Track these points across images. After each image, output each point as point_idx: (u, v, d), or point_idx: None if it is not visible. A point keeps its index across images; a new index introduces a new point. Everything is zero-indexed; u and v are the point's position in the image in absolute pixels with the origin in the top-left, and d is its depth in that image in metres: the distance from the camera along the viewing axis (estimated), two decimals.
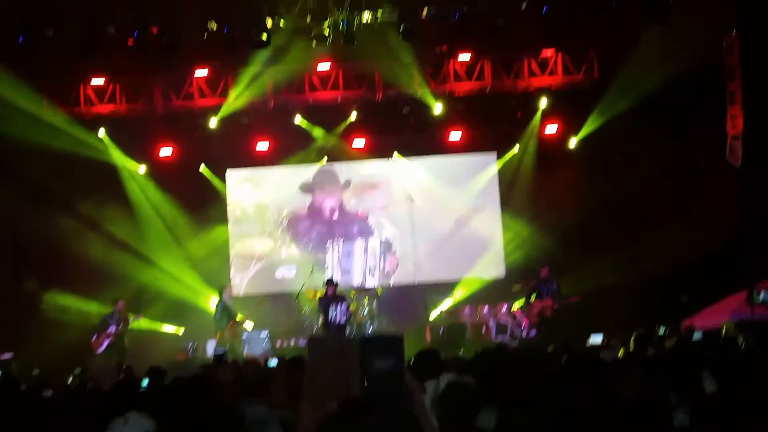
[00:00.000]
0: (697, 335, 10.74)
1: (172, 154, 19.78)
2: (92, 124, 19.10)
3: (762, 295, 12.61)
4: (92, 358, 16.29)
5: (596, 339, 12.73)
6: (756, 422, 4.58)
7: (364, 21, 17.11)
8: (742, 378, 5.70)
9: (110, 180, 19.53)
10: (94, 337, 16.83)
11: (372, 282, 20.04)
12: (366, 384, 1.95)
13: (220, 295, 17.82)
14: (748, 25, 17.37)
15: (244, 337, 17.76)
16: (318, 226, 20.66)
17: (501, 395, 5.39)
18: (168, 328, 19.10)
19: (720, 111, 18.00)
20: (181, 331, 19.10)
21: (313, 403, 2.04)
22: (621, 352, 9.60)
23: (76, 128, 18.77)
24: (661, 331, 13.51)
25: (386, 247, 20.59)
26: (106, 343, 16.79)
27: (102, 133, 19.20)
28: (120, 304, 17.09)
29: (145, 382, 8.47)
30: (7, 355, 16.60)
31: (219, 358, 9.50)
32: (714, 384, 5.76)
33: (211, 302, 18.88)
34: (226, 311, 17.52)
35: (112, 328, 16.79)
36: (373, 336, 1.85)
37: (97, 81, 18.78)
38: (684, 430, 4.86)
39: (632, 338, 11.36)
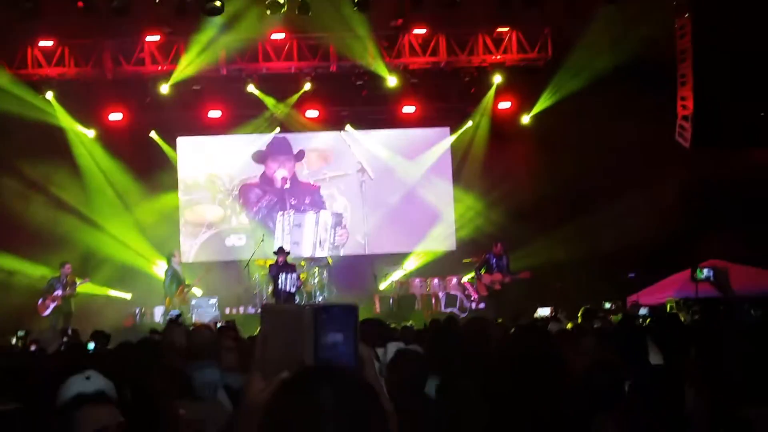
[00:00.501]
0: (642, 310, 10.91)
1: (122, 119, 19.50)
2: (39, 87, 18.75)
3: (705, 273, 12.86)
4: (37, 322, 16.08)
5: (544, 312, 12.89)
6: (700, 394, 4.67)
7: None
8: (687, 350, 5.80)
9: (58, 144, 19.22)
10: (40, 301, 16.62)
11: (322, 253, 20.03)
12: (319, 354, 1.93)
13: (169, 262, 17.72)
14: (700, 8, 17.58)
15: (193, 303, 17.67)
16: (269, 195, 20.56)
17: (449, 364, 5.42)
18: (115, 294, 18.89)
19: (671, 92, 18.23)
20: (128, 296, 18.89)
21: (263, 372, 2.00)
22: (569, 325, 9.71)
23: (23, 90, 18.42)
24: (607, 305, 13.75)
25: (337, 219, 20.59)
26: (51, 306, 16.58)
27: (50, 95, 18.83)
28: (67, 268, 16.89)
29: (91, 346, 8.38)
30: None
31: (174, 320, 9.37)
32: (659, 356, 5.85)
33: (159, 269, 18.74)
34: (175, 278, 17.45)
35: (59, 291, 16.59)
36: (326, 305, 1.84)
37: (46, 43, 18.43)
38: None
39: (580, 312, 11.56)
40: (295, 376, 1.88)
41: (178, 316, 8.70)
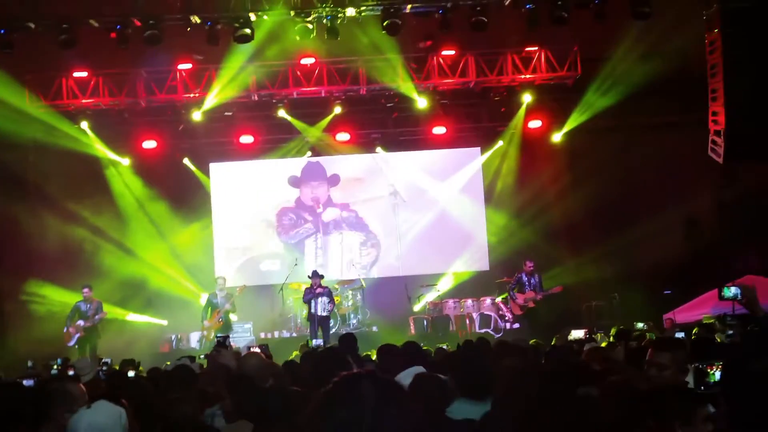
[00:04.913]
0: (679, 333, 10.76)
1: (155, 146, 19.72)
2: (75, 117, 19.04)
3: (732, 291, 12.66)
4: (72, 350, 16.20)
5: (578, 334, 12.78)
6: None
7: (348, 15, 17.05)
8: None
9: (93, 172, 19.52)
10: (65, 329, 16.75)
11: (356, 275, 20.06)
12: None
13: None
14: (729, 22, 17.45)
15: None
16: (303, 219, 20.67)
17: (480, 389, 5.40)
18: (151, 320, 18.99)
19: (704, 107, 18.10)
20: (164, 322, 19.01)
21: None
22: (605, 345, 9.65)
23: (59, 121, 18.75)
24: (639, 326, 13.64)
25: (362, 239, 20.64)
26: (75, 337, 16.64)
27: (85, 125, 19.10)
28: (86, 291, 16.90)
29: (131, 374, 8.44)
30: None
31: (221, 342, 9.25)
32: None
33: (196, 295, 18.94)
34: (209, 304, 17.52)
35: (80, 322, 16.63)
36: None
37: (80, 74, 18.72)
38: None
39: (612, 332, 11.48)
40: (337, 380, 2.09)
41: (226, 338, 8.62)
